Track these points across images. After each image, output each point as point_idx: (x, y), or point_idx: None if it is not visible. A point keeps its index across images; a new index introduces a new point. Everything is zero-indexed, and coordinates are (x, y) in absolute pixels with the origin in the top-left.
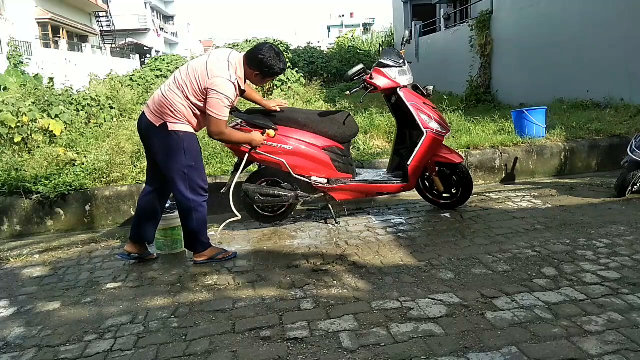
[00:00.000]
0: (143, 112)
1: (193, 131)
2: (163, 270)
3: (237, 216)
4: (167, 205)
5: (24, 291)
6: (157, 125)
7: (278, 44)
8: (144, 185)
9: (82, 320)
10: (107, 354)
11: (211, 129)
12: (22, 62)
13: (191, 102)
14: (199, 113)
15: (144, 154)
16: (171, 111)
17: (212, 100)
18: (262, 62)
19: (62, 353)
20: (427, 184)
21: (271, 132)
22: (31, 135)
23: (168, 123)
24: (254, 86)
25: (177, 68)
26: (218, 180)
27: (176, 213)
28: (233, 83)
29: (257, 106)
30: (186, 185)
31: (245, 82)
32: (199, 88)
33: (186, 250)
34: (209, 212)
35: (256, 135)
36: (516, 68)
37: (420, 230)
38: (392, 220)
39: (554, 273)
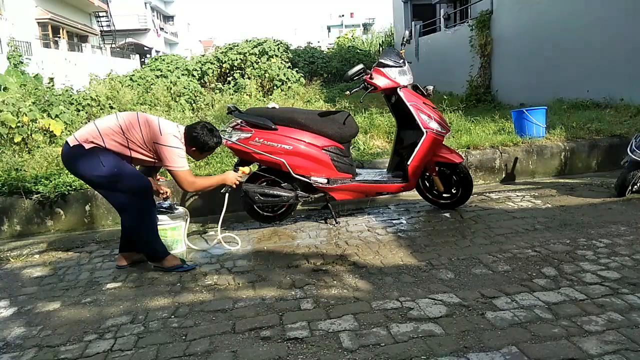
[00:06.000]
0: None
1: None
2: (163, 270)
3: (236, 242)
4: (166, 205)
5: (24, 291)
6: (87, 148)
7: (278, 44)
8: None
9: (82, 320)
10: (107, 354)
11: (182, 184)
12: (22, 62)
13: (131, 149)
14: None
15: None
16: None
17: (166, 155)
18: (196, 139)
19: (62, 353)
20: (427, 184)
21: (245, 169)
22: (31, 135)
23: (85, 144)
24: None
25: (177, 68)
26: None
27: (175, 212)
28: (180, 140)
29: (257, 106)
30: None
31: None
32: (146, 141)
33: (185, 251)
34: (210, 211)
35: (229, 175)
36: (516, 68)
37: (420, 230)
38: (392, 220)
39: (554, 273)
